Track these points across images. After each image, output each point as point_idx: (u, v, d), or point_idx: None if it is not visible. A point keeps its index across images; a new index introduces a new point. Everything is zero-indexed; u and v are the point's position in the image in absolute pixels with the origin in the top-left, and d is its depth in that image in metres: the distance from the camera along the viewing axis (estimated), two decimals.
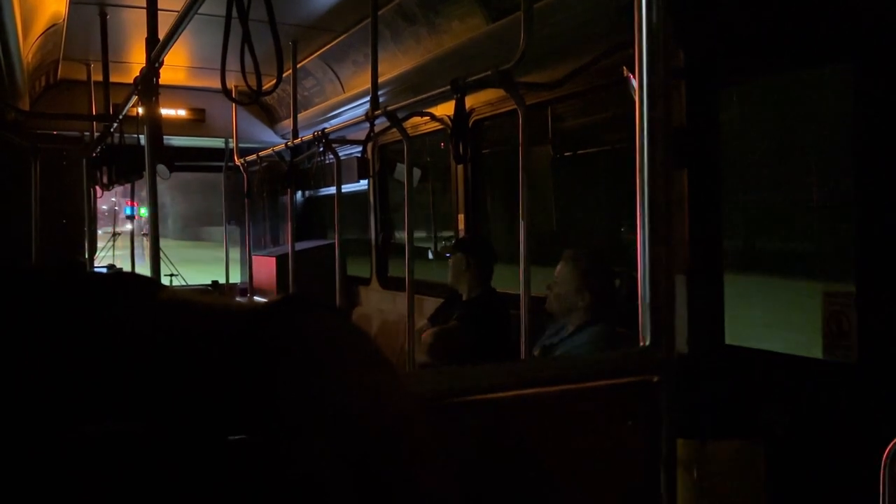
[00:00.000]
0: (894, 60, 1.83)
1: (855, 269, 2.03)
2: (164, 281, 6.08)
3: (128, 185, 5.22)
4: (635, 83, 2.43)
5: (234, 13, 1.94)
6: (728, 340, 2.38)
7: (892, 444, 1.41)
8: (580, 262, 2.89)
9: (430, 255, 5.65)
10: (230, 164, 5.97)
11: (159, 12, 2.52)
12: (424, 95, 3.06)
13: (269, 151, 5.31)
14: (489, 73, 2.46)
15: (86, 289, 0.43)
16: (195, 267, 6.46)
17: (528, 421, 1.04)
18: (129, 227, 6.60)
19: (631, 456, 1.10)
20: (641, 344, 1.13)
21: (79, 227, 5.63)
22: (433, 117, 3.57)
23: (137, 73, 2.72)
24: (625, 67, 2.41)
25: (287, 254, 5.09)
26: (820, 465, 2.01)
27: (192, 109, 5.83)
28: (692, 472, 1.91)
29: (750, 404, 2.21)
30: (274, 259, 5.62)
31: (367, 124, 3.56)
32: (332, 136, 4.20)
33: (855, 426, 1.93)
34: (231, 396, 0.37)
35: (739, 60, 2.26)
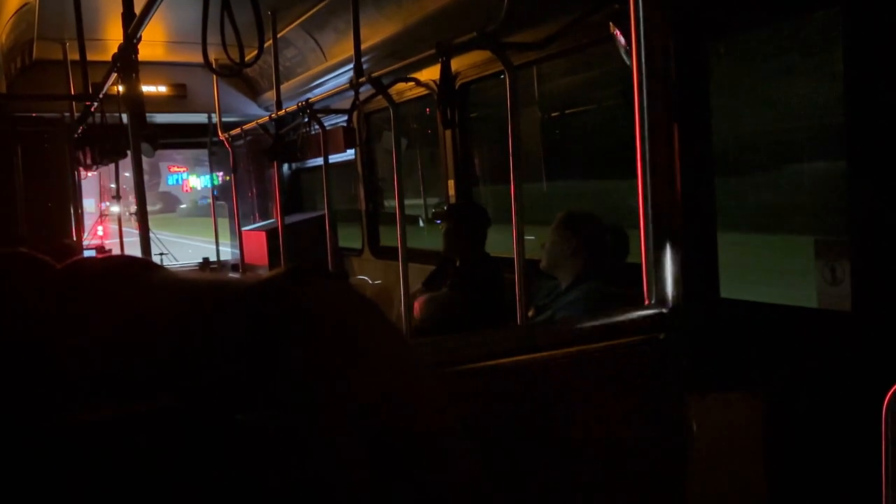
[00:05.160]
0: (885, 1, 1.81)
1: (848, 217, 2.03)
2: (154, 260, 6.04)
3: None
4: (622, 39, 2.40)
5: None
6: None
7: (892, 390, 1.42)
8: (574, 220, 2.90)
9: (421, 223, 5.64)
10: (214, 139, 5.91)
11: None
12: (409, 60, 3.01)
13: (253, 125, 5.25)
14: (474, 35, 2.42)
15: (81, 274, 0.42)
16: None
17: (536, 385, 1.04)
18: (116, 208, 6.52)
19: (640, 413, 1.10)
20: (646, 302, 1.13)
21: (65, 209, 5.58)
22: (418, 82, 3.53)
23: (115, 51, 2.67)
24: (611, 23, 2.38)
25: (277, 227, 5.07)
26: (819, 414, 2.03)
27: (174, 85, 5.75)
28: (693, 425, 1.93)
29: (747, 356, 2.23)
30: (264, 233, 5.59)
31: (352, 93, 3.52)
32: (316, 107, 4.15)
33: (853, 374, 1.94)
34: (239, 373, 0.36)
35: (728, 11, 2.23)
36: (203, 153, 6.29)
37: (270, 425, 0.35)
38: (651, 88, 1.18)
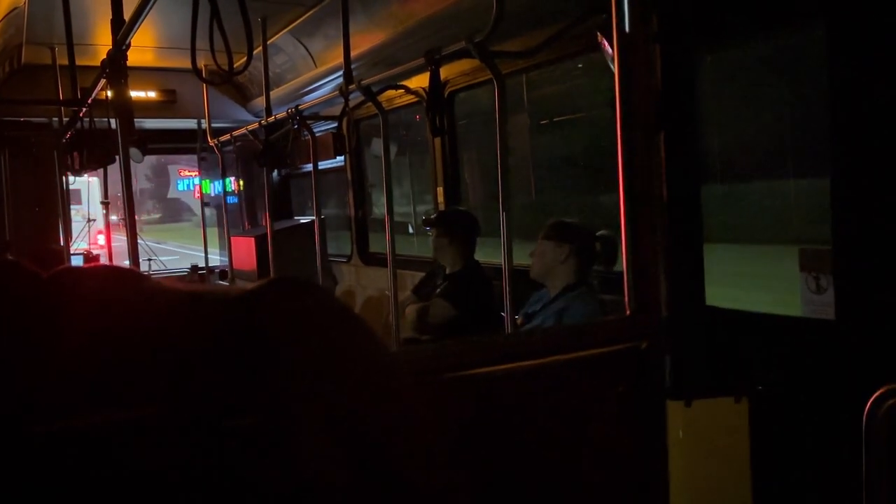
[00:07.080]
0: (866, 14, 1.84)
1: (831, 225, 2.04)
2: (142, 265, 6.03)
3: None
4: (609, 49, 2.42)
5: None
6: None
7: (872, 397, 1.43)
8: (563, 228, 2.92)
9: (411, 230, 5.64)
10: (204, 145, 5.90)
11: None
12: (398, 69, 3.02)
13: (242, 131, 5.25)
14: (463, 44, 2.43)
15: (68, 284, 0.42)
16: None
17: (520, 393, 1.04)
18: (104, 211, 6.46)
19: (622, 421, 1.11)
20: (627, 311, 1.14)
21: (52, 214, 5.55)
22: (408, 90, 3.54)
23: (104, 56, 2.66)
24: (599, 33, 2.39)
25: (266, 234, 5.05)
26: (803, 421, 2.05)
27: (163, 91, 5.73)
28: (678, 433, 1.94)
29: (732, 363, 2.24)
30: (253, 240, 5.57)
31: (342, 99, 3.52)
32: (306, 113, 4.15)
33: (836, 382, 1.96)
34: (225, 383, 0.36)
35: (714, 22, 2.25)
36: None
37: (257, 431, 0.36)
38: (633, 97, 1.19)
